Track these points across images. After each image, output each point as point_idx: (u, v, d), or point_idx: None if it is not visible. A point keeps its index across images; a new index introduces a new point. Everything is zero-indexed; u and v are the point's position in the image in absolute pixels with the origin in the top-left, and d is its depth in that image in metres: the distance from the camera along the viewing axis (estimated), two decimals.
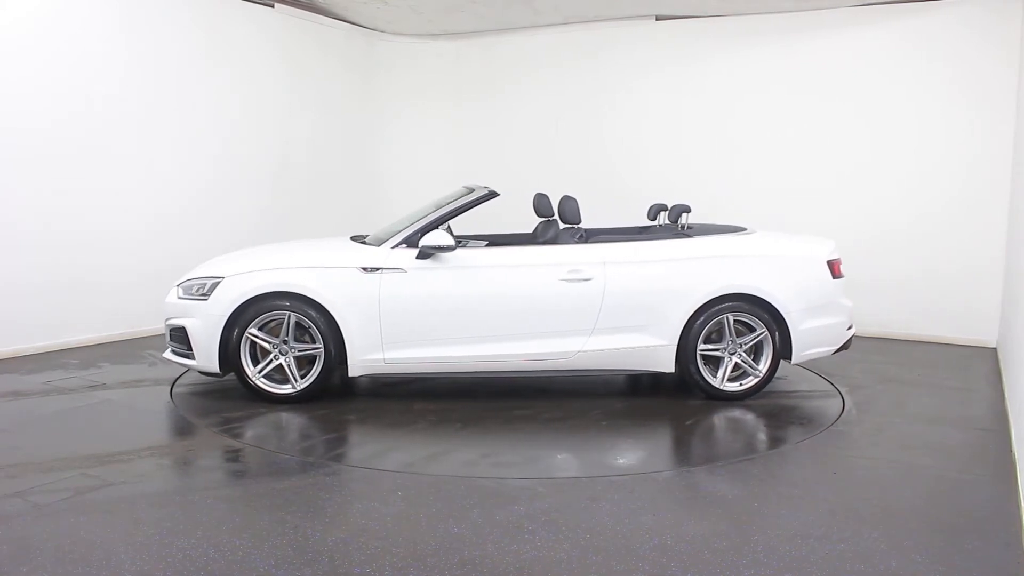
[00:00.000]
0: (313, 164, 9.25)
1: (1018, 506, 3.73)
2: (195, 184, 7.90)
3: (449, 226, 6.08)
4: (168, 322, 5.47)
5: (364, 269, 5.28)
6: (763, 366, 5.41)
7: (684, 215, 6.14)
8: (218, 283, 5.30)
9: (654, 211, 6.48)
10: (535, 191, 6.14)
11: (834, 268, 5.56)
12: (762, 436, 4.83)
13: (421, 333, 5.27)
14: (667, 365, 5.39)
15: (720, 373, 5.40)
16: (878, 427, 5.03)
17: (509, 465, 4.31)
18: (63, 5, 6.71)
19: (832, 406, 5.44)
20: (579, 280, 5.29)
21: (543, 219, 6.00)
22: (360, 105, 9.88)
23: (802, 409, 5.43)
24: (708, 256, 5.45)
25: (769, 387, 5.58)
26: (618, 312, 5.31)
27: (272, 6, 8.55)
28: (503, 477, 4.07)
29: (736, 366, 5.43)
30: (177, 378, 5.94)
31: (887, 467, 4.31)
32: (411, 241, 5.34)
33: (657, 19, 8.78)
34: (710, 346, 5.39)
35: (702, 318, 5.33)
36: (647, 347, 5.35)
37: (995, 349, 7.40)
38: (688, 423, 5.08)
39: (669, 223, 6.28)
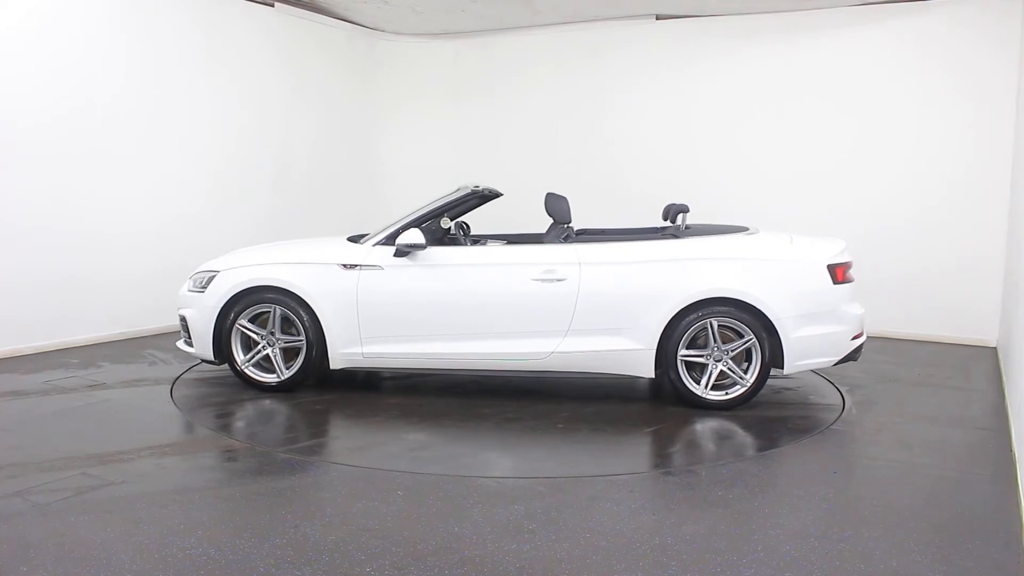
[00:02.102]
0: (314, 164, 9.25)
1: (1018, 506, 3.73)
2: (196, 184, 7.91)
3: (465, 225, 6.22)
4: (178, 312, 5.81)
5: (344, 266, 5.46)
6: (750, 375, 5.14)
7: (681, 215, 6.10)
8: (214, 276, 5.63)
9: (666, 211, 6.38)
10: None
11: (837, 273, 5.21)
12: (762, 436, 4.81)
13: (396, 329, 5.40)
14: (646, 370, 5.22)
15: (703, 381, 5.18)
16: (878, 427, 5.03)
17: (431, 460, 4.34)
18: (63, 7, 6.71)
19: (832, 406, 5.44)
20: (553, 280, 5.23)
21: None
22: (361, 105, 9.89)
23: (802, 408, 5.43)
24: (689, 258, 5.22)
25: (769, 386, 5.57)
26: (593, 314, 5.19)
27: (272, 6, 8.55)
28: (503, 477, 4.07)
29: (723, 374, 5.19)
30: (177, 377, 5.95)
31: (887, 467, 4.31)
32: (390, 239, 5.48)
33: (657, 19, 8.78)
34: (693, 352, 5.16)
35: (684, 322, 5.12)
36: (624, 351, 5.19)
37: (995, 349, 7.40)
38: (650, 429, 4.93)
39: (670, 223, 6.23)
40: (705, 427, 4.96)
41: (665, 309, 5.13)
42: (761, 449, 4.56)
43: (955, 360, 6.97)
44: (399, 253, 5.40)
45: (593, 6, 8.59)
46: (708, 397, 5.18)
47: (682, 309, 5.11)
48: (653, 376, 5.26)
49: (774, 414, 5.27)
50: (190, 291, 5.71)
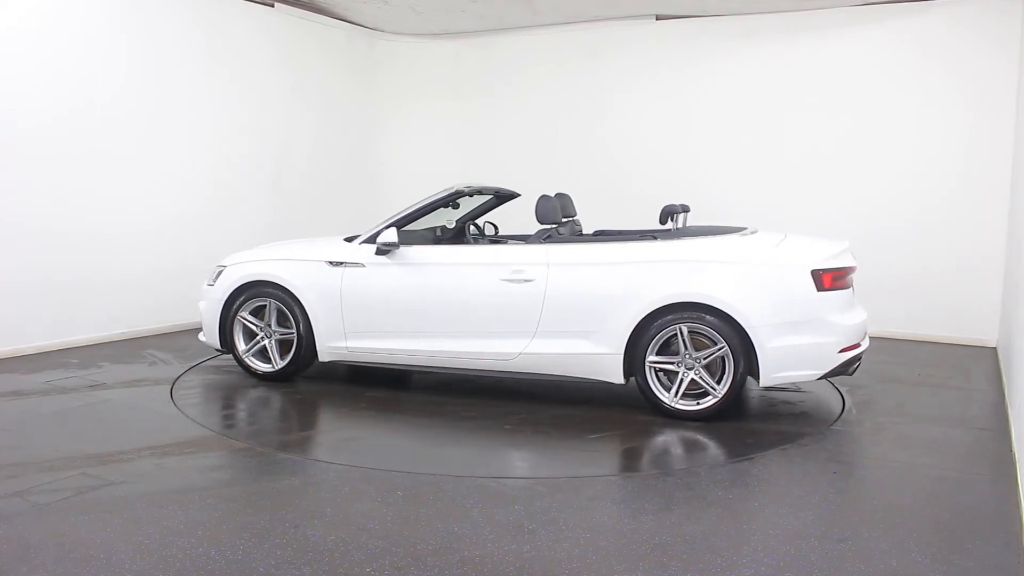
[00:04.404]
0: (314, 164, 9.25)
1: (1018, 506, 3.73)
2: (196, 184, 7.91)
3: (481, 225, 6.35)
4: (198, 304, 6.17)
5: (330, 263, 5.66)
6: (722, 386, 4.87)
7: (683, 215, 6.05)
8: (221, 271, 5.98)
9: (663, 213, 6.23)
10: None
11: (823, 279, 4.83)
12: (762, 436, 4.81)
13: (376, 325, 5.56)
14: (614, 375, 5.05)
15: (673, 389, 4.95)
16: (878, 427, 5.03)
17: (361, 451, 4.55)
18: (63, 7, 6.71)
19: (832, 406, 5.44)
20: (521, 280, 5.20)
21: (563, 219, 5.93)
22: (361, 105, 9.89)
23: (802, 408, 5.43)
24: (660, 260, 5.00)
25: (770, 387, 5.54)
26: (560, 315, 5.10)
27: (272, 6, 8.55)
28: (501, 477, 4.07)
29: (696, 383, 4.93)
30: (177, 377, 5.96)
31: (887, 467, 4.31)
32: (373, 238, 5.62)
33: (657, 19, 8.78)
34: (664, 358, 4.96)
35: (653, 327, 4.92)
36: (591, 354, 5.06)
37: (995, 349, 7.40)
38: (594, 436, 4.75)
39: (673, 225, 6.13)
40: (698, 429, 4.93)
41: (632, 313, 4.95)
42: (761, 449, 4.55)
43: (955, 360, 6.97)
44: (379, 251, 5.53)
45: (593, 6, 8.59)
46: (677, 406, 4.95)
47: (651, 313, 4.93)
48: (623, 382, 5.09)
49: (774, 414, 5.27)
50: (207, 285, 6.05)
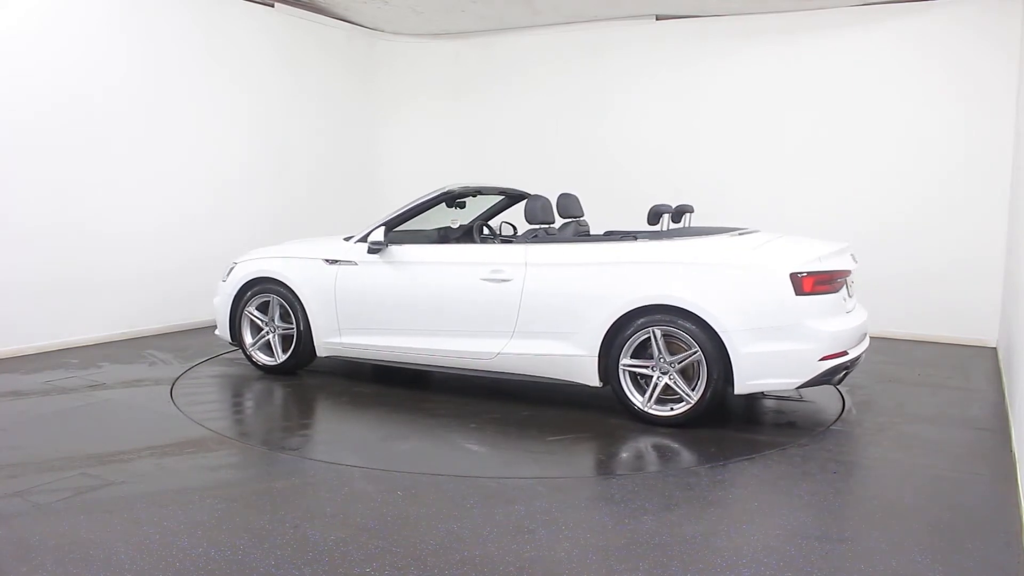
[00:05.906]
0: (314, 164, 9.25)
1: (1018, 506, 3.73)
2: (196, 184, 7.91)
3: (498, 226, 6.42)
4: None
5: (327, 261, 5.81)
6: (696, 392, 4.71)
7: (665, 216, 6.02)
8: (233, 267, 6.21)
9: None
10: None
11: (803, 283, 4.60)
12: (762, 436, 4.81)
13: (366, 321, 5.67)
14: (590, 378, 4.96)
15: (647, 393, 4.82)
16: (878, 427, 5.02)
17: (319, 443, 4.77)
18: (63, 7, 6.72)
19: (832, 406, 5.43)
20: (499, 280, 5.20)
21: (566, 219, 5.92)
22: (361, 105, 9.89)
23: (802, 409, 5.43)
24: (635, 262, 4.88)
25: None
26: (536, 316, 5.06)
27: (272, 6, 8.55)
28: (503, 477, 4.07)
29: (671, 389, 4.79)
30: (177, 378, 5.96)
31: (887, 467, 4.31)
32: (366, 237, 5.72)
33: (657, 19, 8.78)
34: (638, 362, 4.83)
35: (628, 330, 4.81)
36: (567, 356, 4.99)
37: (995, 349, 7.40)
38: (551, 439, 4.66)
39: (650, 225, 6.06)
40: (698, 430, 4.91)
41: (605, 315, 4.85)
42: (760, 450, 4.55)
43: (955, 360, 6.97)
44: (371, 250, 5.63)
45: (593, 6, 8.59)
46: (650, 411, 4.82)
47: (624, 316, 4.82)
48: (599, 384, 4.99)
49: (773, 414, 5.27)
50: (221, 281, 6.26)
